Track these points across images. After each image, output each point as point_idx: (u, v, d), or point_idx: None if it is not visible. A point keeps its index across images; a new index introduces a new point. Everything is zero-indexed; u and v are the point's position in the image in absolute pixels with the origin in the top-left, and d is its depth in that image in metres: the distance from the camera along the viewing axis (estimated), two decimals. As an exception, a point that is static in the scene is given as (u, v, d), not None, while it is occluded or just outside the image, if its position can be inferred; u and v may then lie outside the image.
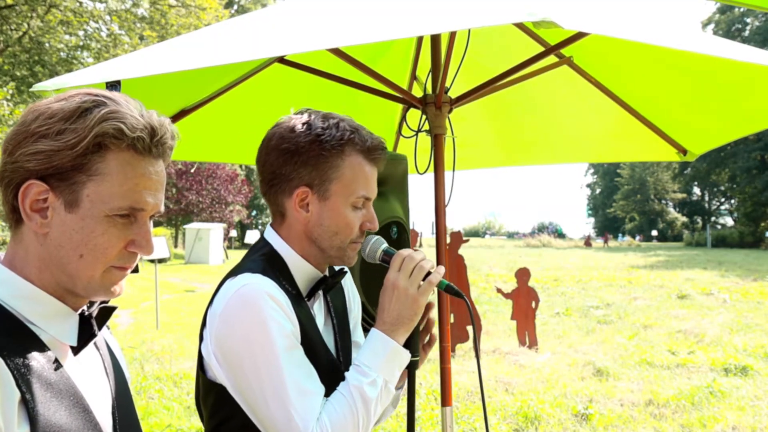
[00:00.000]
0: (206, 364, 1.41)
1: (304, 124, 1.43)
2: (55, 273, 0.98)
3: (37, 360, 0.94)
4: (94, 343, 1.13)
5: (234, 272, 1.45)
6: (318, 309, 1.56)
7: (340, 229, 1.45)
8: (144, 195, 0.99)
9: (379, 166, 1.50)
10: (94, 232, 0.97)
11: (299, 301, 1.45)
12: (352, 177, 1.44)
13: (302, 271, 1.49)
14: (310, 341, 1.44)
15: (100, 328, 1.06)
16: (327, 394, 1.42)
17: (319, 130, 1.42)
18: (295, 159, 1.42)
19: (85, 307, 1.05)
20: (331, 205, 1.45)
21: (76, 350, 1.03)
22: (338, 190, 1.44)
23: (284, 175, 1.44)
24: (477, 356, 1.52)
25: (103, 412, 1.05)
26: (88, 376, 1.06)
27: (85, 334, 1.03)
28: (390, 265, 1.49)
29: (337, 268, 1.63)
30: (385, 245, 1.49)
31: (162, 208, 1.05)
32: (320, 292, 1.54)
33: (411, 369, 1.49)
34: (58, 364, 0.98)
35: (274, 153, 1.45)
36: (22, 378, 0.90)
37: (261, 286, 1.36)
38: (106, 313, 1.07)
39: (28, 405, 0.89)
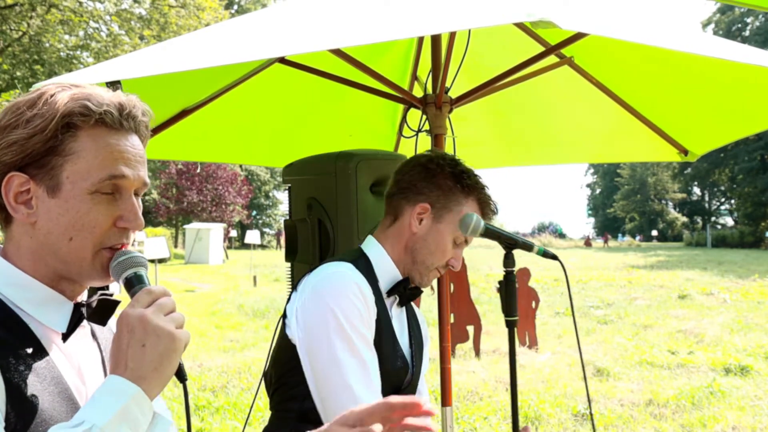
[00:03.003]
0: (288, 321, 1.62)
1: (453, 160, 1.71)
2: (50, 262, 0.99)
3: (21, 344, 0.94)
4: (94, 337, 1.11)
5: (330, 260, 1.69)
6: (395, 314, 1.74)
7: (436, 250, 1.67)
8: (120, 164, 0.99)
9: (490, 220, 1.72)
10: (80, 212, 0.97)
11: (379, 298, 1.65)
12: (464, 216, 1.65)
13: (386, 271, 1.69)
14: (383, 332, 1.63)
15: (104, 322, 1.05)
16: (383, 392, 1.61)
17: (463, 169, 1.69)
18: (433, 179, 1.67)
19: (85, 298, 1.04)
20: (441, 229, 1.66)
21: (65, 337, 1.02)
22: (451, 219, 1.66)
23: (418, 188, 1.68)
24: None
25: None
26: (82, 368, 1.04)
27: (77, 321, 1.02)
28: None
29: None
30: (483, 222, 1.68)
31: (147, 182, 1.04)
32: (398, 298, 1.72)
33: (510, 327, 1.74)
34: (43, 353, 0.97)
35: (418, 168, 1.70)
36: (3, 356, 0.90)
37: (351, 275, 1.59)
38: (110, 306, 1.05)
39: (6, 383, 0.89)
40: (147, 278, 1.01)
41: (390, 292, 1.69)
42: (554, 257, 1.77)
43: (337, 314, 1.52)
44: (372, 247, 1.72)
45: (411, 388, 1.76)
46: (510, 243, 1.71)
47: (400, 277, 1.70)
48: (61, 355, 1.00)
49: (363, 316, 1.55)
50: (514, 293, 1.79)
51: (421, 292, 1.77)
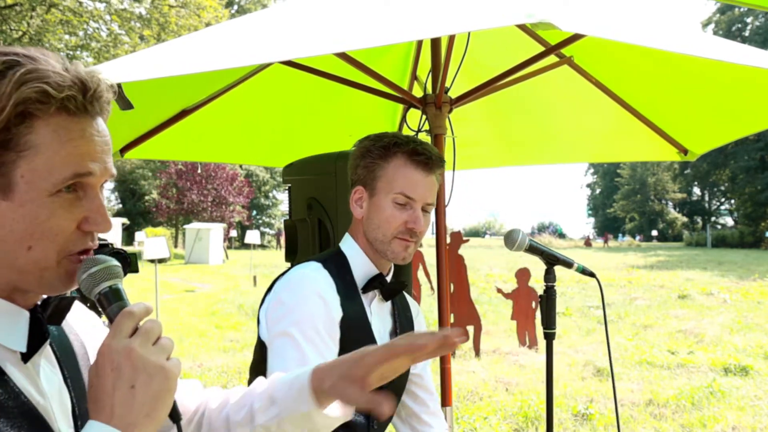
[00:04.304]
0: (260, 323, 1.64)
1: (368, 137, 1.67)
2: (2, 272, 0.83)
3: None
4: (50, 344, 0.95)
5: (303, 260, 1.68)
6: (377, 310, 1.71)
7: (381, 222, 1.62)
8: (87, 159, 0.83)
9: (429, 171, 1.63)
10: (39, 217, 0.81)
11: (353, 294, 1.63)
12: (393, 175, 1.61)
13: (361, 265, 1.66)
14: (356, 326, 1.61)
15: (60, 322, 0.91)
16: None
17: (373, 137, 1.65)
18: (359, 162, 1.66)
19: (40, 301, 0.90)
20: (376, 201, 1.63)
21: (26, 356, 0.86)
22: (382, 187, 1.62)
23: (353, 178, 1.68)
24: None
25: (65, 424, 0.90)
26: (42, 381, 0.88)
27: (38, 336, 0.86)
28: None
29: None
30: (528, 238, 1.74)
31: (114, 172, 0.88)
32: (377, 294, 1.69)
33: (549, 340, 1.81)
34: (3, 377, 0.81)
35: (349, 163, 1.70)
36: None
37: (313, 277, 1.58)
38: (64, 306, 0.90)
39: None
40: (125, 292, 0.87)
41: (366, 288, 1.66)
42: (592, 275, 1.89)
43: (296, 319, 1.52)
44: (347, 244, 1.70)
45: (397, 387, 1.71)
46: (551, 259, 1.81)
47: (375, 272, 1.67)
48: (21, 376, 0.84)
49: (322, 320, 1.53)
50: (554, 307, 1.91)
51: (404, 284, 1.74)
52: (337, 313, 1.57)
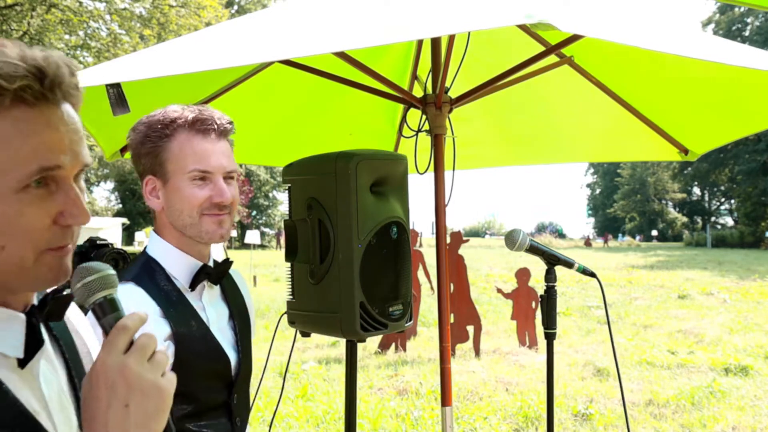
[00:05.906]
0: None
1: (138, 122, 1.51)
2: None
3: None
4: (58, 342, 0.93)
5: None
6: (210, 300, 1.59)
7: (183, 206, 1.49)
8: (54, 150, 0.77)
9: (218, 137, 1.50)
10: (7, 215, 0.75)
11: (178, 299, 1.50)
12: (181, 153, 1.47)
13: (179, 263, 1.53)
14: (190, 335, 1.48)
15: (61, 317, 0.88)
16: (206, 383, 1.49)
17: (147, 118, 1.49)
18: (140, 149, 1.50)
19: (37, 301, 0.86)
20: (172, 186, 1.49)
21: (24, 361, 0.82)
22: (173, 169, 1.48)
23: (139, 169, 1.52)
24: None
25: (66, 427, 0.86)
26: (45, 386, 0.84)
27: (35, 340, 0.82)
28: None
29: (221, 258, 1.65)
30: (529, 238, 1.74)
31: (89, 161, 0.83)
32: (205, 283, 1.56)
33: (549, 340, 1.82)
34: (1, 387, 0.77)
35: (130, 150, 1.54)
36: None
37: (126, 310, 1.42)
38: (63, 302, 0.87)
39: None
40: (120, 302, 0.84)
41: (194, 285, 1.53)
42: (593, 275, 1.94)
43: None
44: (154, 245, 1.55)
45: (245, 376, 1.60)
46: (552, 259, 1.83)
47: (197, 263, 1.54)
48: (18, 382, 0.80)
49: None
50: (554, 307, 1.96)
51: (229, 263, 1.61)
52: (164, 331, 1.43)
